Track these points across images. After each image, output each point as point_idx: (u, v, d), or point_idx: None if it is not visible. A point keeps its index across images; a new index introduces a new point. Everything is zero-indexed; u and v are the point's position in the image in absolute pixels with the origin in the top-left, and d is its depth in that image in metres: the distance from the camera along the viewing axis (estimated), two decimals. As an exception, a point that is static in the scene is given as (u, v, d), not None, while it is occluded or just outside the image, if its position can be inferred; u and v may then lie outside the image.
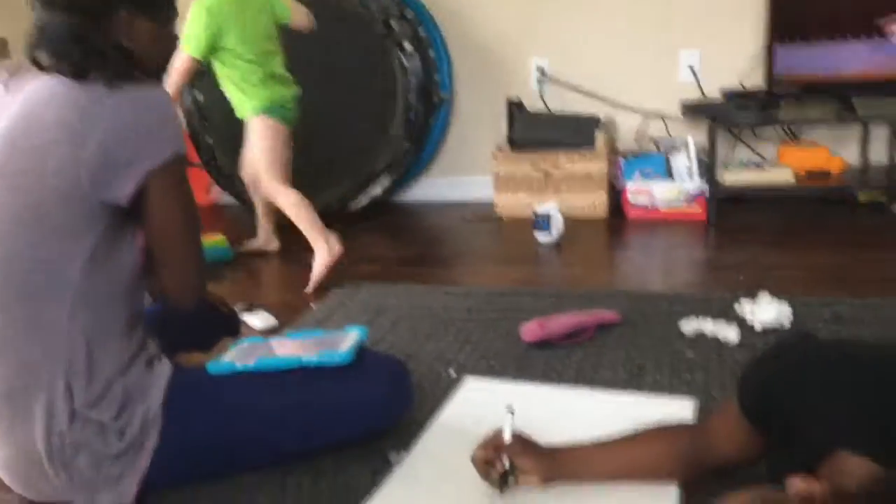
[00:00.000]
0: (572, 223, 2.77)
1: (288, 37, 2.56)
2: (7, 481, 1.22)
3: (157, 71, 1.28)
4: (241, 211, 3.11)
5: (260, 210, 2.67)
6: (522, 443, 1.16)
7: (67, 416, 1.13)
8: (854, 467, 0.81)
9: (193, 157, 3.11)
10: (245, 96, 2.42)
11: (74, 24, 1.13)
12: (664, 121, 3.08)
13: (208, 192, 3.45)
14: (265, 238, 2.69)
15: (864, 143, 2.91)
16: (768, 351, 0.99)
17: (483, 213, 3.05)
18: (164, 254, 1.18)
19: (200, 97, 3.11)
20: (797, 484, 0.72)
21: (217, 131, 3.13)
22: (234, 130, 3.12)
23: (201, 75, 3.09)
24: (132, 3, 1.17)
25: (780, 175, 2.76)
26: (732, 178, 2.77)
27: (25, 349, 1.11)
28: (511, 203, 3.02)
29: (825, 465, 0.84)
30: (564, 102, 3.17)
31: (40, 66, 1.14)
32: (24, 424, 1.13)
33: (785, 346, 1.03)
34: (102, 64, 1.11)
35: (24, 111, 1.11)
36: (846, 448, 0.83)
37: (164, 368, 1.22)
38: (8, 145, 1.10)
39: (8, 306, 1.11)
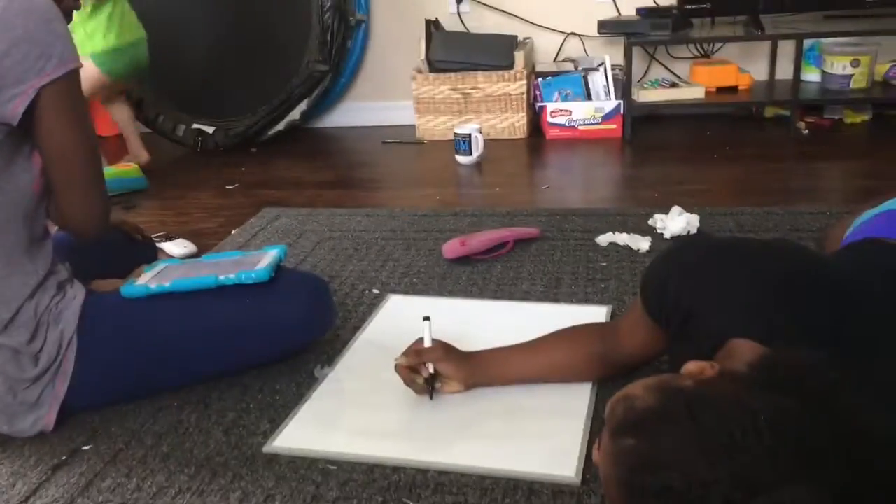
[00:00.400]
0: (493, 144, 2.79)
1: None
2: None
3: None
4: (153, 139, 3.00)
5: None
6: (444, 348, 1.20)
7: (-24, 342, 1.10)
8: (744, 350, 0.86)
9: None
10: None
11: None
12: (581, 40, 3.10)
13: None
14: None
15: (773, 60, 3.00)
16: (666, 250, 1.04)
17: (404, 137, 3.03)
18: (61, 177, 1.13)
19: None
20: (689, 366, 0.77)
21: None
22: (154, 45, 2.99)
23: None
24: None
25: (692, 92, 2.83)
26: (647, 96, 2.83)
27: None
28: (431, 126, 3.00)
29: (719, 352, 0.90)
30: (483, 24, 3.13)
31: None
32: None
33: (680, 245, 1.08)
34: None
35: None
36: (737, 334, 0.89)
37: (76, 292, 1.20)
38: None
39: None
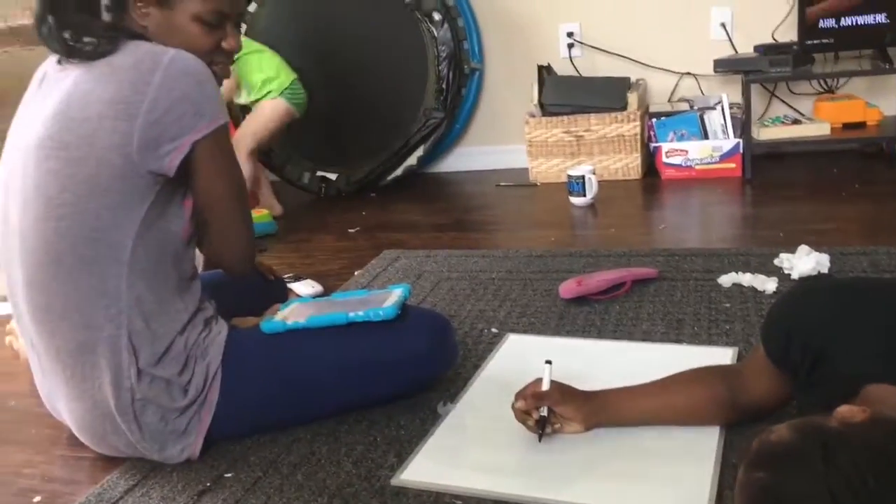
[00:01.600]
0: (607, 185, 2.79)
1: (319, 12, 2.60)
2: (82, 439, 1.30)
3: None
4: (281, 187, 3.18)
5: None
6: (561, 390, 1.21)
7: (134, 372, 1.20)
8: (888, 395, 0.83)
9: (232, 132, 3.17)
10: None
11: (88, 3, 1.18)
12: (696, 79, 3.07)
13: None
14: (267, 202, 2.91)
15: (903, 93, 2.87)
16: (790, 291, 1.01)
17: (517, 180, 3.08)
18: (213, 221, 1.24)
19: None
20: (842, 408, 0.74)
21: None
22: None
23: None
24: None
25: (817, 129, 2.73)
26: (768, 133, 2.76)
27: (88, 312, 1.18)
28: (545, 168, 3.04)
29: (858, 399, 0.87)
30: (595, 67, 3.16)
31: (63, 48, 1.17)
32: (95, 380, 1.20)
33: (807, 286, 1.05)
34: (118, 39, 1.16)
35: (77, 88, 1.16)
36: (874, 378, 0.86)
37: (221, 328, 1.29)
38: (63, 118, 1.15)
39: (72, 273, 1.17)
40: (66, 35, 1.17)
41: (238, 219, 1.25)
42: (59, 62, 1.22)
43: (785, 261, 1.84)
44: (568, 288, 1.80)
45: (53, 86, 1.20)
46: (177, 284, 1.24)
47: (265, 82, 2.75)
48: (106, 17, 1.20)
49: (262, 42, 2.98)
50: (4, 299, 1.84)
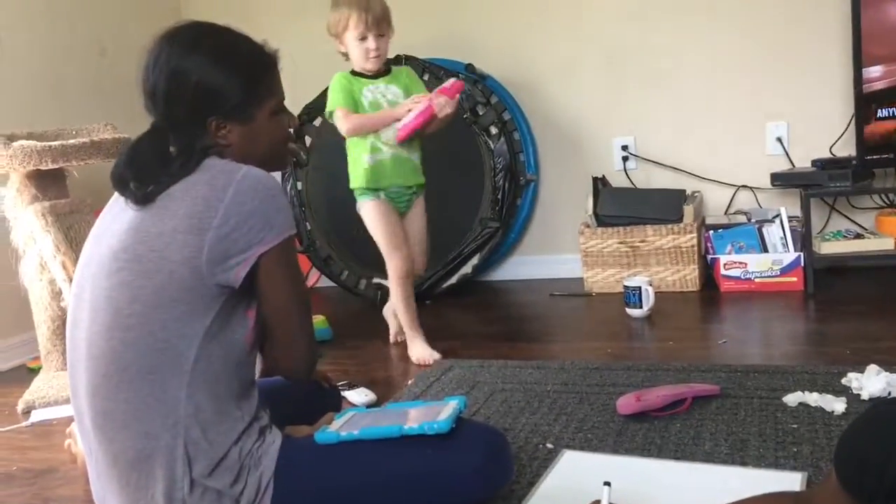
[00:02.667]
0: (664, 297, 2.75)
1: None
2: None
3: (259, 164, 1.30)
4: (338, 293, 3.23)
5: None
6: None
7: (188, 483, 1.19)
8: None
9: (296, 243, 3.27)
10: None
11: (158, 147, 1.24)
12: (753, 192, 3.06)
13: (306, 278, 3.60)
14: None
15: (970, 208, 2.81)
16: (860, 419, 0.97)
17: (572, 290, 3.07)
18: (277, 329, 1.26)
19: (300, 185, 3.29)
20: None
21: (316, 217, 3.29)
22: (332, 216, 3.29)
23: (302, 166, 3.29)
24: (216, 110, 1.26)
25: (880, 244, 2.68)
26: (829, 248, 2.71)
27: (148, 420, 1.19)
28: (600, 279, 3.03)
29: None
30: (650, 179, 3.20)
31: (143, 200, 1.21)
32: (149, 489, 1.20)
33: (879, 410, 1.00)
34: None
35: (153, 204, 1.22)
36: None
37: (274, 438, 1.29)
38: (137, 232, 1.20)
39: (134, 382, 1.19)
40: (147, 188, 1.22)
41: (300, 326, 1.28)
42: None
43: (853, 380, 1.77)
44: (626, 403, 1.75)
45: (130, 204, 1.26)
46: (237, 393, 1.25)
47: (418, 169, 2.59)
48: (177, 154, 1.25)
49: (325, 154, 3.11)
50: (68, 401, 1.89)
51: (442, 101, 2.19)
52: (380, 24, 2.21)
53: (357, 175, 2.32)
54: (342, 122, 2.26)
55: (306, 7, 3.50)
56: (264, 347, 1.31)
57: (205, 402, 1.20)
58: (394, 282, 2.35)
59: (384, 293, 3.17)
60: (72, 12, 3.13)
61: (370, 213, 2.33)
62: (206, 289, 1.19)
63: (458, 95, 2.26)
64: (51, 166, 2.23)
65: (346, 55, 2.30)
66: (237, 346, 1.24)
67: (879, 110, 2.68)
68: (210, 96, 1.26)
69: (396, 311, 2.44)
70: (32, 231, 2.25)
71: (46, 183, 2.29)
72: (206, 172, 1.21)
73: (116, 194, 1.32)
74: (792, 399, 1.73)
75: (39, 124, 2.61)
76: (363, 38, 2.22)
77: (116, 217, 1.26)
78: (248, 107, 1.29)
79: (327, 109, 2.31)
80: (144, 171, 1.24)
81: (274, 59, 1.35)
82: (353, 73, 2.31)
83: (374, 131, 2.27)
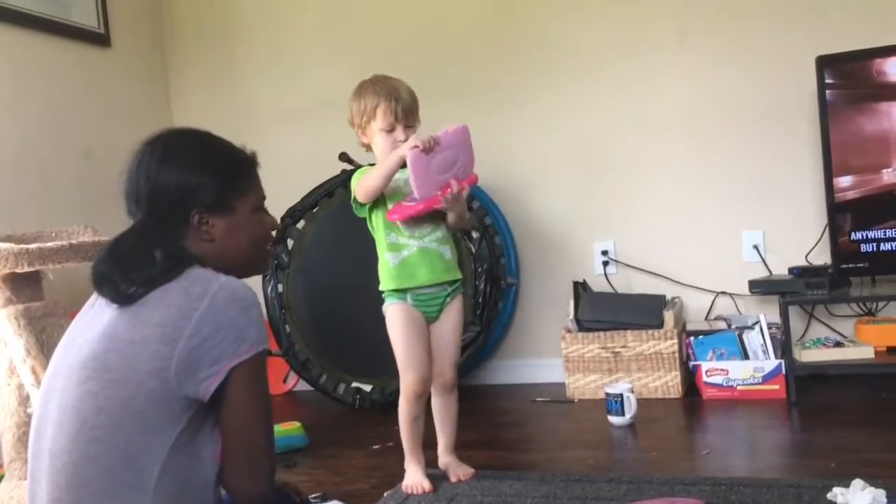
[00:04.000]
0: (646, 403, 2.72)
1: (359, 230, 2.70)
2: None
3: (241, 264, 1.33)
4: (315, 397, 3.17)
5: None
6: None
7: None
8: None
9: (273, 345, 3.23)
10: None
11: (149, 240, 1.24)
12: (733, 298, 3.08)
13: (285, 381, 3.54)
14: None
15: (946, 316, 2.83)
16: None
17: (553, 395, 3.02)
18: (236, 446, 1.20)
19: (281, 287, 3.28)
20: None
21: (296, 320, 3.27)
22: (312, 319, 3.27)
23: (283, 268, 3.29)
24: (202, 202, 1.27)
25: (860, 352, 2.68)
26: (810, 356, 2.71)
27: None
28: (581, 384, 2.99)
29: None
30: (630, 284, 3.22)
31: (123, 300, 1.20)
32: None
33: None
34: (174, 269, 1.20)
35: (127, 312, 1.20)
36: None
37: (240, 559, 1.23)
38: (109, 340, 1.18)
39: (95, 498, 1.14)
40: (126, 288, 1.21)
41: (261, 445, 1.22)
42: None
43: (839, 496, 1.73)
44: (607, 520, 1.70)
45: (105, 308, 1.24)
46: None
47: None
48: (161, 258, 1.24)
49: (307, 257, 3.12)
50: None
51: (449, 198, 1.99)
52: (408, 115, 2.06)
53: (383, 276, 2.11)
54: (358, 192, 2.06)
55: (296, 111, 3.60)
56: (223, 468, 1.25)
57: None
58: (402, 398, 2.13)
59: (362, 397, 3.11)
60: (59, 113, 3.19)
61: (392, 318, 2.10)
62: (175, 402, 1.16)
63: (466, 189, 2.05)
64: (27, 269, 2.21)
65: (367, 147, 2.14)
66: (205, 464, 1.20)
67: (853, 233, 2.73)
68: (193, 191, 1.27)
69: (400, 428, 2.16)
70: (4, 334, 2.20)
71: (21, 285, 2.26)
72: (183, 280, 1.20)
73: (91, 300, 1.31)
74: (778, 515, 1.69)
75: (20, 226, 2.61)
76: (391, 130, 2.05)
77: (90, 324, 1.24)
78: (230, 199, 1.30)
79: (352, 196, 2.10)
80: (126, 267, 1.22)
81: (253, 159, 1.38)
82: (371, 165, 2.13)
83: (381, 182, 2.01)
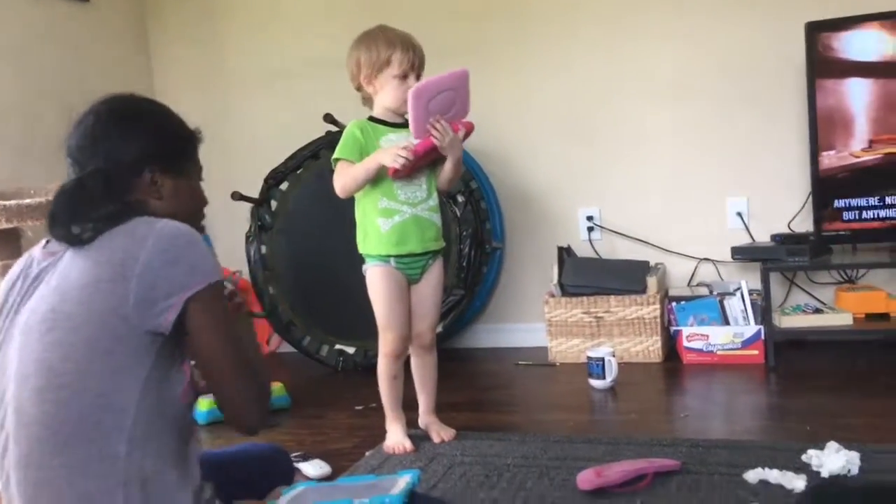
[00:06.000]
0: (627, 367, 2.74)
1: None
2: None
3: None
4: (299, 359, 3.17)
5: None
6: None
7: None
8: None
9: (256, 307, 3.22)
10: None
11: (98, 186, 1.24)
12: (715, 265, 3.10)
13: (268, 343, 3.54)
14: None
15: (925, 284, 2.86)
16: (807, 493, 0.96)
17: (536, 359, 3.05)
18: (214, 380, 1.22)
19: (264, 249, 3.27)
20: None
21: (279, 282, 3.26)
22: (295, 281, 3.26)
23: (266, 230, 3.27)
24: (157, 161, 1.29)
25: (839, 319, 2.71)
26: (790, 321, 2.74)
27: (82, 483, 1.14)
28: (564, 349, 3.02)
29: None
30: (615, 250, 3.22)
31: (71, 240, 1.20)
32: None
33: (811, 493, 0.99)
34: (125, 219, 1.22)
35: (74, 261, 1.20)
36: None
37: (219, 513, 1.24)
38: (62, 289, 1.18)
39: (70, 443, 1.14)
40: (77, 229, 1.21)
41: (237, 376, 1.22)
42: (45, 245, 1.27)
43: (814, 457, 1.76)
44: (586, 478, 1.72)
45: (46, 266, 1.23)
46: (177, 457, 1.21)
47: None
48: (112, 203, 1.24)
49: (290, 218, 3.11)
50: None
51: (444, 135, 1.97)
52: (421, 65, 2.06)
53: (369, 241, 2.09)
54: (336, 177, 2.05)
55: (279, 72, 3.55)
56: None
57: (147, 463, 1.15)
58: (380, 357, 2.14)
59: (345, 359, 3.13)
60: (41, 75, 3.13)
61: (374, 279, 2.10)
62: (138, 337, 1.16)
63: (461, 132, 2.03)
64: (5, 225, 2.19)
65: (368, 101, 2.12)
66: (175, 403, 1.20)
67: (836, 202, 2.74)
68: (147, 151, 1.29)
69: (380, 388, 2.17)
70: (-18, 291, 2.18)
71: (0, 241, 2.24)
72: (126, 226, 1.21)
73: (19, 267, 1.29)
74: (752, 476, 1.71)
75: (1, 183, 2.58)
76: (405, 77, 2.04)
77: (34, 285, 1.23)
78: (181, 163, 1.34)
79: (333, 156, 2.07)
80: (77, 209, 1.22)
81: (198, 133, 1.40)
82: (374, 119, 2.09)
83: (360, 184, 2.02)
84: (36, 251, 1.29)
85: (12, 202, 2.20)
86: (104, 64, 3.45)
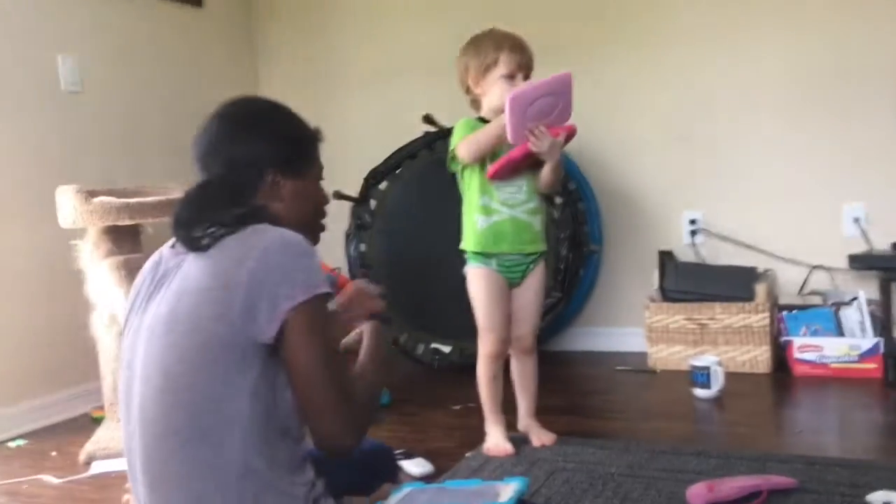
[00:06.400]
0: (733, 378, 2.64)
1: (441, 191, 2.67)
2: None
3: (301, 229, 1.31)
4: (395, 356, 3.20)
5: None
6: None
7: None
8: None
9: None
10: None
11: (220, 191, 1.27)
12: (830, 273, 2.95)
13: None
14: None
15: None
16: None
17: (636, 364, 2.98)
18: (305, 396, 1.20)
19: (363, 247, 3.32)
20: None
21: (376, 279, 3.30)
22: (393, 279, 3.30)
23: (365, 228, 3.32)
24: (277, 164, 1.31)
25: (968, 333, 2.54)
26: (912, 334, 2.58)
27: (200, 485, 1.17)
28: (665, 355, 2.94)
29: None
30: (719, 255, 3.12)
31: (193, 247, 1.24)
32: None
33: None
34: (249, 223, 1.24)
35: (192, 265, 1.22)
36: None
37: (330, 509, 1.25)
38: (179, 293, 1.21)
39: (187, 445, 1.18)
40: (199, 233, 1.24)
41: (330, 398, 1.20)
42: (173, 245, 1.30)
43: (946, 482, 1.65)
44: (697, 493, 1.67)
45: (172, 266, 1.27)
46: (289, 458, 1.23)
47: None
48: (236, 210, 1.27)
49: (389, 217, 3.14)
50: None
51: (542, 141, 1.95)
52: (528, 66, 2.05)
53: (468, 237, 2.10)
54: (460, 148, 2.03)
55: (381, 74, 3.60)
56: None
57: (259, 465, 1.18)
58: (480, 359, 2.14)
59: (441, 358, 3.14)
60: (152, 77, 3.27)
61: (474, 281, 2.10)
62: (244, 345, 1.17)
63: (562, 136, 2.00)
64: (127, 222, 2.29)
65: (476, 103, 2.11)
66: (285, 407, 1.22)
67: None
68: (267, 153, 1.32)
69: (479, 389, 2.17)
70: (105, 284, 2.30)
71: (122, 238, 2.35)
72: (242, 233, 1.23)
73: (152, 264, 1.33)
74: (877, 498, 1.62)
75: (118, 182, 2.71)
76: (512, 77, 2.02)
77: (161, 283, 1.27)
78: (300, 165, 1.35)
79: (450, 149, 2.07)
80: (201, 214, 1.26)
81: (318, 132, 1.42)
82: (483, 120, 2.08)
83: (483, 147, 2.00)
84: (165, 249, 1.33)
85: (134, 200, 2.31)
86: (212, 66, 3.57)
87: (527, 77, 2.04)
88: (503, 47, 2.04)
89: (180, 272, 1.24)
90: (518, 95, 1.92)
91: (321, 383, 1.20)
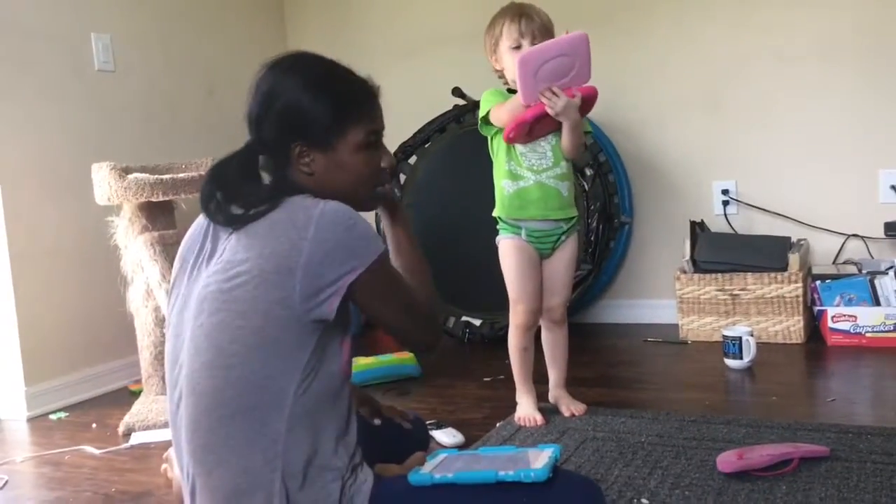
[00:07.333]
0: (765, 348, 2.63)
1: (470, 166, 2.68)
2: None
3: (342, 198, 1.29)
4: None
5: None
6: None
7: (285, 514, 1.20)
8: None
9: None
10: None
11: (245, 163, 1.29)
12: (865, 242, 2.91)
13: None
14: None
15: None
16: None
17: (666, 336, 2.97)
18: (391, 328, 1.35)
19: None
20: None
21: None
22: (424, 253, 3.31)
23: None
24: (302, 137, 1.28)
25: None
26: (950, 303, 2.54)
27: (248, 456, 1.20)
28: (696, 326, 2.92)
29: None
30: (752, 225, 3.08)
31: (227, 220, 1.25)
32: (244, 523, 1.21)
33: None
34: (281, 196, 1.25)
35: (239, 245, 1.23)
36: None
37: (366, 476, 1.28)
38: (229, 274, 1.22)
39: (236, 418, 1.21)
40: (233, 208, 1.25)
41: (415, 327, 1.35)
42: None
43: (983, 450, 1.64)
44: (727, 460, 1.67)
45: (220, 239, 1.28)
46: (335, 428, 1.25)
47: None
48: (267, 177, 1.29)
49: (418, 191, 3.14)
50: (166, 425, 1.94)
51: (556, 101, 1.91)
52: (534, 31, 1.99)
53: (498, 203, 2.10)
54: (492, 115, 2.02)
55: (410, 47, 3.59)
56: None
57: (304, 438, 1.21)
58: (511, 329, 2.15)
59: (472, 331, 3.16)
60: (183, 55, 3.30)
61: (505, 252, 2.11)
62: (303, 325, 1.20)
63: (577, 97, 1.94)
64: (161, 198, 2.33)
65: (502, 78, 2.10)
66: (334, 378, 1.25)
67: None
68: (294, 119, 1.29)
69: (511, 360, 2.18)
70: (141, 259, 2.35)
71: (156, 214, 2.39)
72: (285, 210, 1.23)
73: (200, 228, 1.33)
74: (911, 466, 1.61)
75: (151, 159, 2.74)
76: (518, 47, 2.00)
77: (209, 255, 1.28)
78: (330, 136, 1.29)
79: (480, 115, 2.06)
80: (234, 188, 1.27)
81: (371, 91, 1.36)
82: (511, 91, 2.06)
83: (512, 112, 1.98)
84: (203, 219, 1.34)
85: (167, 176, 2.34)
86: (243, 41, 3.59)
87: (534, 43, 1.99)
88: (504, 19, 2.03)
89: (228, 248, 1.24)
90: (526, 57, 1.90)
91: (410, 326, 1.34)
